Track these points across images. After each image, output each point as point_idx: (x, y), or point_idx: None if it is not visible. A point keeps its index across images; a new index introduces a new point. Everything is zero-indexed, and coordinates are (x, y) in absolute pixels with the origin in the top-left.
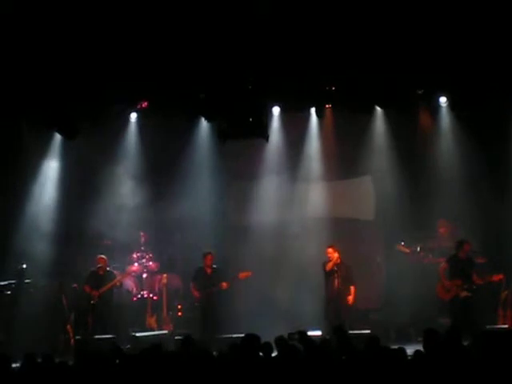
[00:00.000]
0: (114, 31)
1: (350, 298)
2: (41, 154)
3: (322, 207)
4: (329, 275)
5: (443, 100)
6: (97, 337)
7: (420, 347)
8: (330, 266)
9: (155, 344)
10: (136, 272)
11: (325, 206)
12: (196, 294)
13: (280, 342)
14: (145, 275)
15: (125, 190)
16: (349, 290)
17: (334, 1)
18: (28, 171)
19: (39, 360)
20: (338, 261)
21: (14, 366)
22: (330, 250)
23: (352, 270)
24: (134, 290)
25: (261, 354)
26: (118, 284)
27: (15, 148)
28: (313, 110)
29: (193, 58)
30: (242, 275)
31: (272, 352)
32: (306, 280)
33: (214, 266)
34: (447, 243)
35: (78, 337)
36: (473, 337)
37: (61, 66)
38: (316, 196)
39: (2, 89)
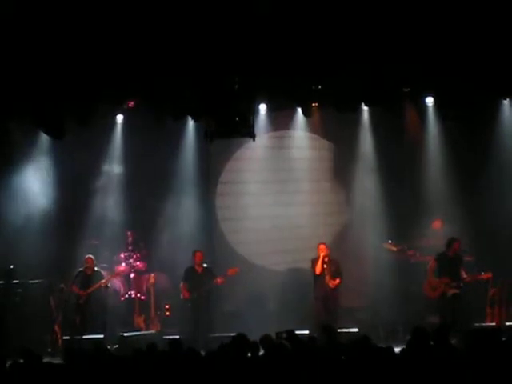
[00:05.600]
0: (100, 31)
1: (333, 282)
2: (28, 152)
3: (309, 204)
4: (318, 274)
5: (430, 98)
6: (85, 337)
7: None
8: (318, 268)
9: (150, 344)
10: (123, 272)
11: (312, 203)
12: (186, 294)
13: (266, 340)
14: (132, 275)
15: (112, 189)
16: (337, 286)
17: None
18: (15, 170)
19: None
20: (326, 258)
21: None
22: (323, 246)
23: (340, 266)
24: (122, 289)
25: (249, 353)
26: (105, 284)
27: (2, 147)
28: (299, 108)
29: (179, 58)
30: (230, 272)
31: (259, 351)
32: (295, 277)
33: (205, 266)
34: (437, 241)
35: (65, 337)
36: (461, 335)
37: (48, 65)
38: (303, 193)
39: None
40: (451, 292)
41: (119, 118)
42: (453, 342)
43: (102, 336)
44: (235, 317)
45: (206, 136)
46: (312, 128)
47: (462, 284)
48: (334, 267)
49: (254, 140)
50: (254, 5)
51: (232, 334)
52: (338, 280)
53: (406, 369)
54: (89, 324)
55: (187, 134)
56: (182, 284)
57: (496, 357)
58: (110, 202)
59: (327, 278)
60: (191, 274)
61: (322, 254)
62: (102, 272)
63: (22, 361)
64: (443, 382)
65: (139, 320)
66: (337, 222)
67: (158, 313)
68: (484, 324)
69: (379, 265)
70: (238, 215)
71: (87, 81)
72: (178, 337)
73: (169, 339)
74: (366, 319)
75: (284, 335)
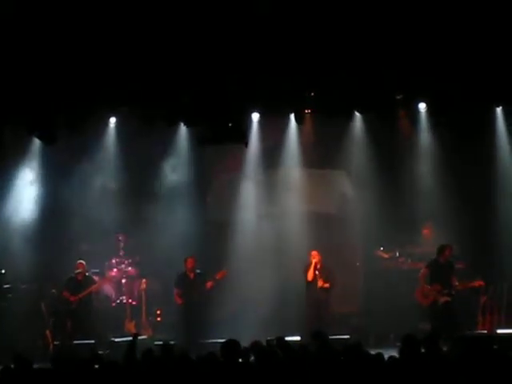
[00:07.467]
0: (93, 37)
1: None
2: (20, 157)
3: (301, 211)
4: (310, 280)
5: (422, 105)
6: (76, 342)
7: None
8: (311, 275)
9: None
10: (115, 277)
11: (303, 210)
12: (179, 300)
13: (256, 347)
14: (124, 280)
15: (104, 193)
16: (330, 293)
17: (312, 7)
18: (6, 175)
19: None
20: (319, 265)
21: None
22: (315, 253)
23: (333, 272)
24: (113, 295)
25: (240, 359)
26: (97, 289)
27: None
28: (292, 115)
29: (173, 64)
30: (218, 275)
31: (249, 358)
32: (288, 283)
33: (198, 271)
34: (428, 248)
35: (56, 342)
36: (452, 342)
37: (41, 71)
38: (295, 200)
39: None
40: (443, 300)
41: (111, 123)
42: (444, 349)
43: (93, 341)
44: (226, 323)
45: (198, 142)
46: (304, 134)
47: (453, 292)
48: (327, 273)
49: (246, 147)
50: (251, 9)
51: (223, 340)
52: (328, 284)
53: (396, 376)
54: (80, 329)
55: (180, 140)
56: (175, 290)
57: (487, 365)
58: (101, 207)
59: (319, 282)
60: (183, 280)
61: (314, 261)
62: (94, 277)
63: (12, 366)
64: None
65: (130, 325)
66: (329, 229)
67: (150, 318)
68: (475, 332)
69: (370, 272)
70: (229, 221)
71: (80, 86)
72: (169, 341)
73: (161, 344)
74: (358, 326)
75: (274, 342)
